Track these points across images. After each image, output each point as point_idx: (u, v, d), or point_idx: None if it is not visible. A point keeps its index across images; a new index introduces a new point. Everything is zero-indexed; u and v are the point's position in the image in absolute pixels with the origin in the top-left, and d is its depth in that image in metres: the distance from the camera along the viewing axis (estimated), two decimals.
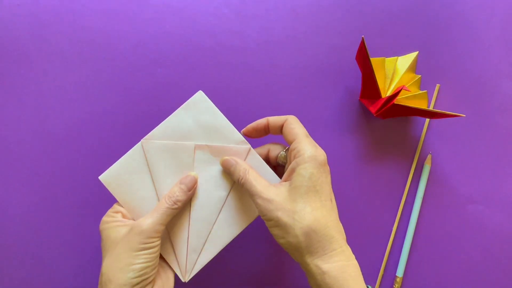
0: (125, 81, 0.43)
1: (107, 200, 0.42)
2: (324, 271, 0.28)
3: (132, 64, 0.44)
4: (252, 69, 0.44)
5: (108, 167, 0.34)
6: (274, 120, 0.35)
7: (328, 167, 0.32)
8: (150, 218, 0.31)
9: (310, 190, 0.30)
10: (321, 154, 0.31)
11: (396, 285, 0.43)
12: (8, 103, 0.43)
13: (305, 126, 0.44)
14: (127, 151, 0.35)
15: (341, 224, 0.31)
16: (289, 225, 0.29)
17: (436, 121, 0.45)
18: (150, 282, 0.31)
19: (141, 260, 0.30)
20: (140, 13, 0.44)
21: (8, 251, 0.41)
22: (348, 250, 0.30)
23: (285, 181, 0.32)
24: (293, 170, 0.31)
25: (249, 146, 0.35)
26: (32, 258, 0.41)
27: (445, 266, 0.44)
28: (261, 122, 0.36)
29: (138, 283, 0.30)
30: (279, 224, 0.30)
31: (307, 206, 0.29)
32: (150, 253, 0.30)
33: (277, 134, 0.36)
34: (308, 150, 0.31)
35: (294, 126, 0.33)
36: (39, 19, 0.43)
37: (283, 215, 0.30)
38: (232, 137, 0.35)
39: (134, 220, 0.34)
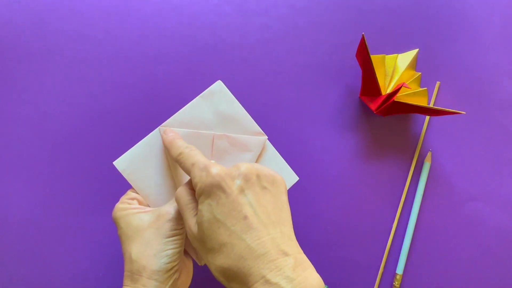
0: (125, 78, 0.43)
1: (108, 198, 0.42)
2: None
3: (132, 61, 0.44)
4: (252, 66, 0.44)
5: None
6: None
7: (228, 178, 0.27)
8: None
9: (212, 225, 0.26)
10: (208, 175, 0.27)
11: (396, 282, 0.43)
12: (8, 101, 0.43)
13: (305, 124, 0.44)
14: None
15: (269, 240, 0.25)
16: (207, 264, 0.27)
17: (436, 118, 0.45)
18: (179, 268, 0.32)
19: (172, 246, 0.31)
20: (140, 10, 0.44)
21: (9, 250, 0.41)
22: (276, 276, 0.24)
23: None
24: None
25: (265, 137, 0.36)
26: (33, 257, 0.41)
27: (445, 263, 0.44)
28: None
29: (172, 268, 0.30)
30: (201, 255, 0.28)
31: (214, 244, 0.26)
32: (179, 239, 0.31)
33: None
34: (195, 179, 0.28)
35: (182, 163, 0.30)
36: (39, 15, 0.43)
37: (201, 252, 0.28)
38: (249, 128, 0.35)
39: (149, 206, 0.34)
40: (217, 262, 0.26)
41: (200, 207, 0.27)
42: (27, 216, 0.42)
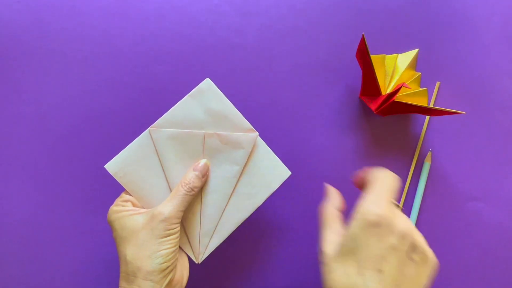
0: (125, 78, 0.43)
1: (108, 198, 0.42)
2: None
3: (132, 61, 0.44)
4: (252, 66, 0.44)
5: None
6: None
7: (388, 228, 0.26)
8: (171, 205, 0.32)
9: (349, 252, 0.26)
10: (374, 212, 0.26)
11: None
12: (8, 100, 0.43)
13: (305, 124, 0.44)
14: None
15: None
16: (324, 282, 0.28)
17: (436, 118, 0.45)
18: (174, 267, 0.32)
19: (166, 246, 0.31)
20: (140, 10, 0.44)
21: (9, 250, 0.41)
22: None
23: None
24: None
25: (256, 134, 0.36)
26: (33, 257, 0.42)
27: (445, 263, 0.44)
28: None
29: (166, 268, 0.31)
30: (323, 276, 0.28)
31: (339, 269, 0.27)
32: (173, 238, 0.32)
33: None
34: (363, 205, 0.27)
35: (371, 178, 0.30)
36: (39, 15, 0.43)
37: (324, 271, 0.28)
38: (240, 125, 0.35)
39: (143, 208, 0.35)
40: (336, 286, 0.26)
41: (349, 228, 0.27)
42: (27, 216, 0.42)
